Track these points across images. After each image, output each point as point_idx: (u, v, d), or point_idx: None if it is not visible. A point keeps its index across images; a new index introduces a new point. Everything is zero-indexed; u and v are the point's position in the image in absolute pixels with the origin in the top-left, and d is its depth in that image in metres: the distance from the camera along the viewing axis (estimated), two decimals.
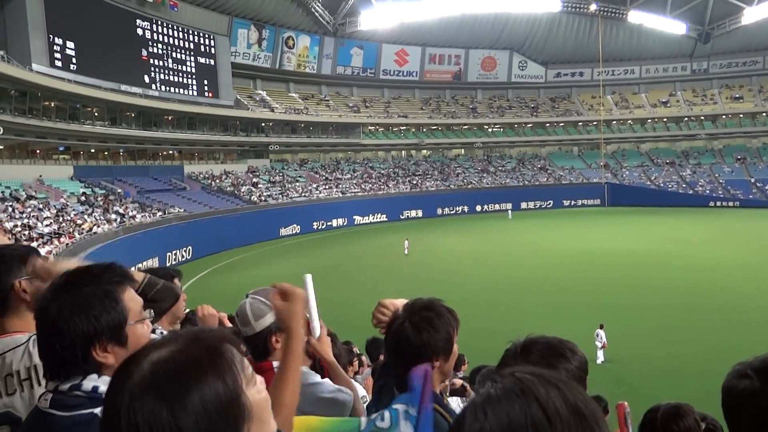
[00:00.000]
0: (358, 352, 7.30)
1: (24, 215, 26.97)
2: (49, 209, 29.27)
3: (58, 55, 36.05)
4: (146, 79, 43.69)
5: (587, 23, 67.70)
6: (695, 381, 11.76)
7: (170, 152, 47.53)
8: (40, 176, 33.88)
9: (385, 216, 52.70)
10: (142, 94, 42.14)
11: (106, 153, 42.34)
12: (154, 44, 44.83)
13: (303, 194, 50.20)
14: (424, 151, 68.06)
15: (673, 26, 67.39)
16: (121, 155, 43.39)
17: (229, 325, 3.16)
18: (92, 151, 41.15)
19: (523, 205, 59.58)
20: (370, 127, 62.45)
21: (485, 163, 66.81)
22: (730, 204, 56.11)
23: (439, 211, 56.29)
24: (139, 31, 43.68)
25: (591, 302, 19.96)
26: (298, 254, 34.93)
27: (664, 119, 68.63)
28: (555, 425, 0.73)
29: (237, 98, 53.37)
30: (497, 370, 0.96)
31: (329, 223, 48.69)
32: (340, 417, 2.02)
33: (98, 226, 29.56)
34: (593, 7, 65.55)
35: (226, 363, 0.83)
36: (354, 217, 50.87)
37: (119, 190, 37.38)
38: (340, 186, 54.29)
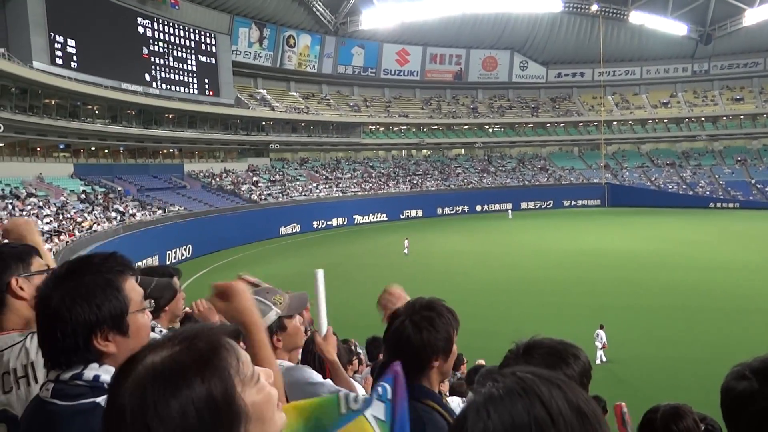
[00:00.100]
0: (358, 348, 7.30)
1: (24, 213, 26.96)
2: (49, 207, 29.27)
3: (59, 53, 36.03)
4: (147, 77, 43.67)
5: (588, 24, 67.66)
6: (695, 381, 11.79)
7: (170, 150, 47.53)
8: (41, 174, 33.90)
9: (385, 215, 52.69)
10: (143, 92, 42.12)
11: (106, 151, 42.35)
12: (155, 42, 44.79)
13: (303, 193, 50.21)
14: (425, 150, 68.03)
15: (674, 27, 67.36)
16: (121, 153, 43.41)
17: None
18: (92, 149, 41.16)
19: (524, 205, 59.55)
20: (370, 127, 62.44)
21: (485, 163, 66.78)
22: (730, 205, 56.04)
23: (439, 210, 56.28)
24: (140, 30, 43.64)
25: (591, 302, 19.95)
26: (298, 253, 34.94)
27: (665, 120, 68.58)
28: (558, 424, 0.73)
29: (238, 97, 53.36)
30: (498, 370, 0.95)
31: (329, 223, 48.70)
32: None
33: (98, 224, 29.57)
34: (594, 7, 65.49)
35: (216, 369, 0.81)
36: (354, 216, 50.87)
37: (119, 188, 37.40)
38: (341, 185, 54.28)
